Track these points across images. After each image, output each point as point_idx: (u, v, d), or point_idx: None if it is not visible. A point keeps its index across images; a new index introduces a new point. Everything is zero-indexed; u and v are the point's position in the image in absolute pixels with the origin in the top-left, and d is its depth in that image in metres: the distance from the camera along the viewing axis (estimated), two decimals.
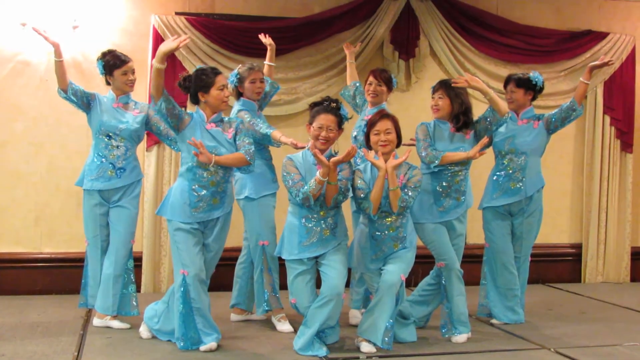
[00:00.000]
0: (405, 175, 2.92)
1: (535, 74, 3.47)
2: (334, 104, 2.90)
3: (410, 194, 2.88)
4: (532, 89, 3.45)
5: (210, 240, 2.91)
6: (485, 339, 3.20)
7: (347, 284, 3.75)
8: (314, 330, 2.84)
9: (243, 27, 4.24)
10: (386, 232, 2.92)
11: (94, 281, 3.30)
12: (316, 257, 2.91)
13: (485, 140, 3.13)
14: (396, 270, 2.89)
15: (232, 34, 4.21)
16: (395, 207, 2.85)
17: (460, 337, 3.13)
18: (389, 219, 2.91)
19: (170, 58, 4.18)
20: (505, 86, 3.52)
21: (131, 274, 3.32)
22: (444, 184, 3.15)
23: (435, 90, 3.18)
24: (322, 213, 2.87)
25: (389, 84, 3.49)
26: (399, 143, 2.95)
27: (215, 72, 2.91)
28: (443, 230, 3.17)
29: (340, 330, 3.01)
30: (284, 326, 3.28)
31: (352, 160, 2.98)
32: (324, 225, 2.87)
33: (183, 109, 2.96)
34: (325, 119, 2.86)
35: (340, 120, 2.91)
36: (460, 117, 3.13)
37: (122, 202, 3.27)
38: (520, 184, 3.42)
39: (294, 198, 2.85)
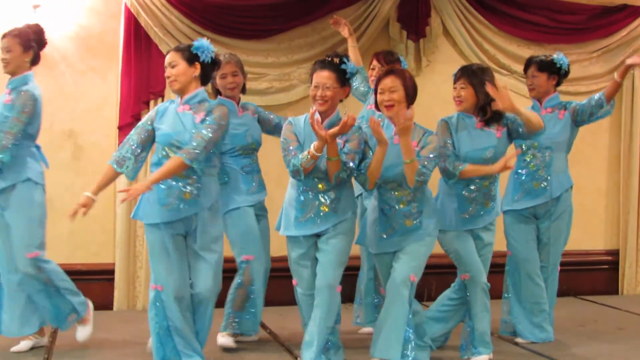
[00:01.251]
0: (419, 143, 2.83)
1: (559, 55, 3.43)
2: (336, 59, 2.82)
3: (426, 164, 2.79)
4: (556, 72, 3.41)
5: (197, 245, 2.78)
6: (509, 359, 3.16)
7: (352, 299, 3.73)
8: (319, 345, 2.78)
9: (228, 4, 4.17)
10: (397, 206, 2.84)
11: None
12: (317, 236, 2.84)
13: (513, 157, 2.98)
14: (404, 268, 2.82)
15: (216, 13, 4.16)
16: (411, 182, 2.77)
17: (481, 358, 3.06)
18: (398, 192, 2.83)
19: (146, 41, 4.16)
20: (525, 70, 3.48)
21: (48, 287, 3.11)
22: (472, 187, 3.06)
23: (456, 78, 3.09)
24: (320, 186, 2.80)
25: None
26: (411, 102, 2.83)
27: (169, 52, 2.86)
28: (467, 238, 3.09)
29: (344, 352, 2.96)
30: (225, 339, 3.23)
31: (365, 131, 2.89)
32: (322, 200, 2.80)
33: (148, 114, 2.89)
34: (319, 76, 2.80)
35: (342, 76, 2.81)
36: (487, 109, 3.04)
37: (5, 213, 3.05)
38: (545, 184, 3.38)
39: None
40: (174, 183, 2.71)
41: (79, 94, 4.10)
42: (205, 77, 2.83)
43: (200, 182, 2.75)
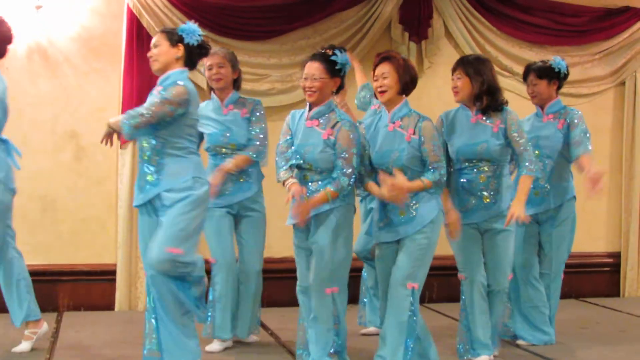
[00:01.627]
0: (415, 130, 2.80)
1: (557, 59, 3.41)
2: (329, 51, 2.81)
3: (437, 161, 2.77)
4: (556, 77, 3.39)
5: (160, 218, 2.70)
6: None
7: (356, 301, 3.73)
8: (318, 345, 2.79)
9: (230, 5, 4.19)
10: None
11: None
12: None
13: (456, 230, 2.94)
14: (401, 272, 2.79)
15: (218, 14, 4.17)
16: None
17: (480, 359, 3.05)
18: None
19: (148, 42, 4.11)
20: (524, 78, 3.45)
21: None
22: (464, 180, 3.03)
23: (453, 69, 3.08)
24: (306, 177, 2.82)
25: None
26: (405, 90, 2.84)
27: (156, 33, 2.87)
28: (470, 236, 3.04)
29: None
30: (210, 345, 3.22)
31: (354, 123, 2.86)
32: (308, 191, 2.82)
33: None
34: (308, 67, 2.80)
35: (331, 67, 2.79)
36: (483, 98, 2.99)
37: None
38: (545, 193, 3.36)
39: None
40: (144, 168, 2.71)
41: (82, 95, 4.11)
42: (190, 61, 2.77)
43: (161, 165, 2.68)
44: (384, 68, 2.83)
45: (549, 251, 3.44)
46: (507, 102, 3.07)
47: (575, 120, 3.37)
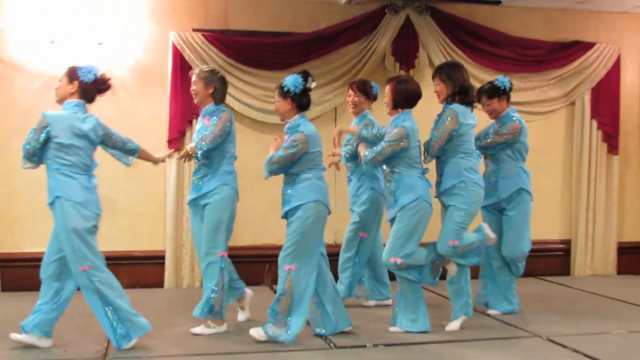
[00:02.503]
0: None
1: (500, 78, 3.50)
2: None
3: (376, 147, 3.04)
4: (504, 93, 3.48)
5: None
6: (481, 327, 3.28)
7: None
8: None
9: (255, 42, 4.35)
10: (385, 184, 3.14)
11: None
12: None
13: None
14: (384, 253, 3.05)
15: (246, 49, 4.33)
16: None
17: (452, 325, 3.22)
18: (384, 172, 3.15)
19: (189, 71, 4.29)
20: (478, 101, 3.49)
21: None
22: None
23: (433, 77, 3.23)
24: (285, 180, 2.99)
25: (366, 93, 3.60)
26: (397, 106, 3.06)
27: None
28: (445, 215, 3.16)
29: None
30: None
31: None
32: (284, 190, 2.99)
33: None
34: None
35: (281, 91, 2.95)
36: (456, 97, 3.11)
37: None
38: (495, 187, 3.48)
39: None
40: None
41: (136, 115, 4.27)
42: (86, 96, 2.79)
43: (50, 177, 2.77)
44: (386, 89, 3.15)
45: (505, 237, 3.49)
46: (476, 101, 3.23)
47: (503, 126, 3.43)
